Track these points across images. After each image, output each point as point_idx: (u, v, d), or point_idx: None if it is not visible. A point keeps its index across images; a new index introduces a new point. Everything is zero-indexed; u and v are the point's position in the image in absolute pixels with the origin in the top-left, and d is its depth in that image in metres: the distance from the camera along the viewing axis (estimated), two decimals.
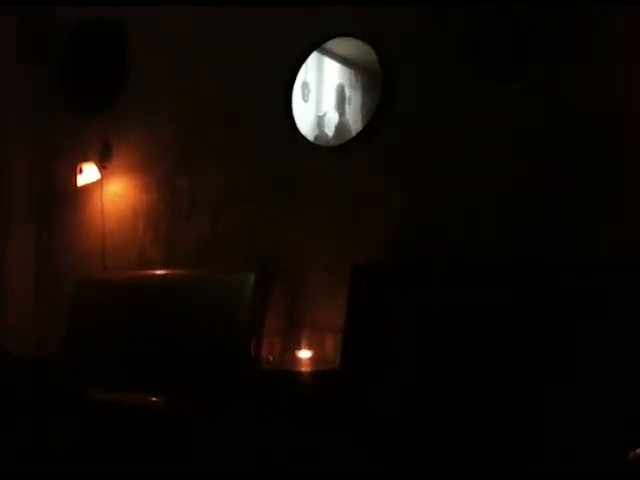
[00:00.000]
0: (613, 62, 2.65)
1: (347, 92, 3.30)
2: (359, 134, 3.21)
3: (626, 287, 2.35)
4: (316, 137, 3.35)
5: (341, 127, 3.30)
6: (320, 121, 3.36)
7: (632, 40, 2.61)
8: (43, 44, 4.33)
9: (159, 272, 3.64)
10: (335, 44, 3.32)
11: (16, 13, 4.19)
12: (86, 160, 3.96)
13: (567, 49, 2.74)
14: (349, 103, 3.29)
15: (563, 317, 2.41)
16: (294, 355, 3.15)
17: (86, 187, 3.99)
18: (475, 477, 2.10)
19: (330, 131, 3.33)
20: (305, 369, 2.98)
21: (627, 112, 2.62)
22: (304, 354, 3.12)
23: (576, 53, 2.72)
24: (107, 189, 4.00)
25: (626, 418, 2.16)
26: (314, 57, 3.36)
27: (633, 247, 2.51)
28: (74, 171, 3.97)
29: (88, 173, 3.92)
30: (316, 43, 3.34)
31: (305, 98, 3.40)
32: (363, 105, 3.24)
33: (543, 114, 2.78)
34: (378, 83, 3.17)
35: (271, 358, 3.25)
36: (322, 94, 3.37)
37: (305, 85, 3.39)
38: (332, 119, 3.33)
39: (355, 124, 3.25)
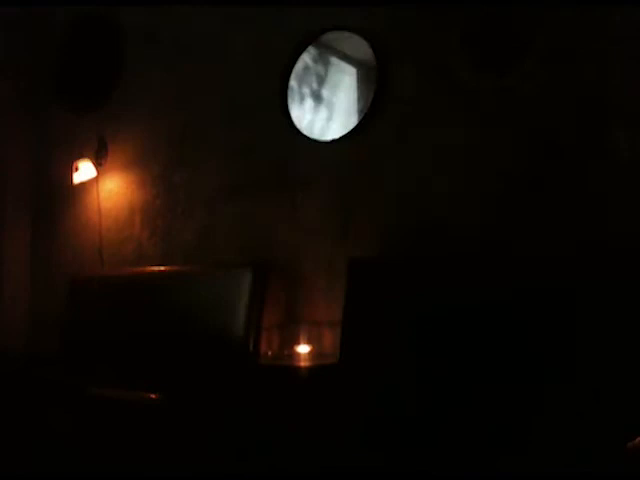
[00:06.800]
0: (608, 61, 2.66)
1: (343, 87, 3.30)
2: (355, 130, 3.21)
3: (623, 281, 2.36)
4: (313, 132, 3.34)
5: (338, 123, 3.30)
6: (316, 116, 3.36)
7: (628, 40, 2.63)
8: (38, 42, 4.32)
9: (156, 268, 3.64)
10: (331, 39, 3.32)
11: (12, 12, 4.19)
12: (82, 158, 3.96)
13: (562, 45, 2.75)
14: (346, 98, 3.28)
15: (560, 313, 2.42)
16: (292, 350, 3.15)
17: (82, 184, 3.99)
18: (473, 469, 2.11)
19: (326, 127, 3.33)
20: (304, 364, 2.98)
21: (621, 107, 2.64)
22: (302, 349, 3.12)
23: (571, 51, 2.73)
24: (103, 186, 4.00)
25: (623, 409, 2.16)
26: (311, 52, 3.36)
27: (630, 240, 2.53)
28: (70, 169, 3.97)
29: (84, 171, 3.92)
30: (312, 37, 3.34)
31: (301, 93, 3.39)
32: (360, 101, 3.24)
33: (542, 111, 2.78)
34: (374, 78, 3.17)
35: (270, 353, 3.26)
36: (318, 89, 3.36)
37: (301, 80, 3.39)
38: (328, 114, 3.33)
39: (352, 120, 3.25)
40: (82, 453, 2.78)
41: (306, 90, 3.38)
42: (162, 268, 3.62)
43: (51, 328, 3.89)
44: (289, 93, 3.39)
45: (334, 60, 3.33)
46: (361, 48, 3.20)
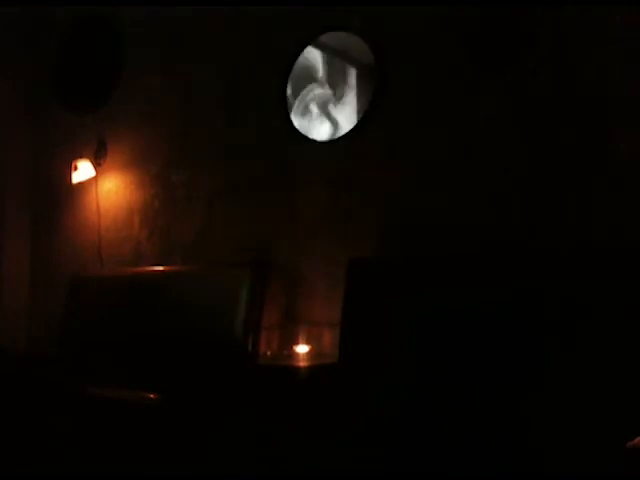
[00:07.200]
0: (608, 61, 2.66)
1: (342, 87, 3.29)
2: (355, 130, 3.21)
3: (623, 281, 2.36)
4: (312, 132, 3.34)
5: (337, 123, 3.29)
6: (315, 116, 3.35)
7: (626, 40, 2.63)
8: (38, 42, 4.32)
9: (156, 268, 3.64)
10: (331, 39, 3.31)
11: (12, 12, 4.19)
12: (81, 157, 3.95)
13: (563, 45, 2.75)
14: (345, 98, 3.28)
15: (560, 313, 2.42)
16: (292, 350, 3.15)
17: (81, 184, 3.99)
18: (473, 469, 2.11)
19: (325, 126, 3.32)
20: (303, 364, 2.98)
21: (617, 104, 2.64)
22: (302, 349, 3.11)
23: (571, 50, 2.73)
24: (102, 186, 3.99)
25: (623, 409, 2.16)
26: (309, 51, 3.36)
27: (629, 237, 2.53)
28: (69, 168, 3.97)
29: (83, 170, 3.92)
30: (312, 37, 3.34)
31: (300, 93, 3.39)
32: (359, 100, 3.24)
33: (542, 111, 2.78)
34: (374, 77, 3.16)
35: (269, 353, 3.25)
36: (317, 88, 3.36)
37: (301, 80, 3.39)
38: (327, 114, 3.32)
39: (351, 120, 3.24)
40: (82, 453, 2.78)
41: (305, 90, 3.38)
42: (161, 268, 3.62)
43: (51, 328, 3.89)
44: (288, 93, 3.39)
45: (333, 60, 3.32)
46: (361, 48, 3.19)
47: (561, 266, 2.51)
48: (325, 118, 3.30)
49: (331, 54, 3.32)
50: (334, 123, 3.28)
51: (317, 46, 3.34)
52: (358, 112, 3.22)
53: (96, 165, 3.96)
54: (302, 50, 3.36)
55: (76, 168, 3.91)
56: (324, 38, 3.32)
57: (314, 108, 3.30)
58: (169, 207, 3.78)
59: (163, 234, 3.79)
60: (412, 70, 3.08)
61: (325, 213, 3.28)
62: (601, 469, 1.91)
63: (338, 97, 3.28)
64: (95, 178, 3.96)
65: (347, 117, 3.24)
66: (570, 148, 2.71)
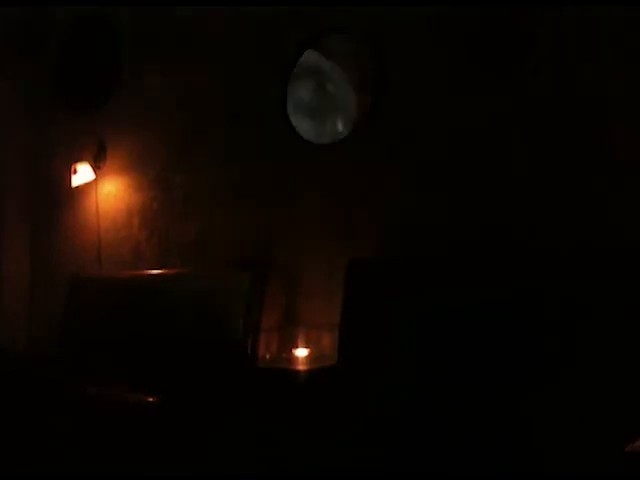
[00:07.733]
0: (608, 61, 2.66)
1: (343, 89, 3.29)
2: (354, 132, 3.20)
3: (622, 281, 2.36)
4: (312, 133, 3.34)
5: (337, 125, 3.29)
6: (316, 119, 3.35)
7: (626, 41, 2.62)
8: (37, 43, 4.32)
9: (154, 271, 3.63)
10: (332, 40, 3.31)
11: (12, 12, 4.19)
12: (80, 160, 3.94)
13: (563, 45, 2.74)
14: (344, 101, 3.28)
15: (560, 313, 2.42)
16: (291, 353, 3.14)
17: (81, 187, 3.98)
18: (473, 469, 2.11)
19: (326, 129, 3.32)
20: (302, 367, 2.97)
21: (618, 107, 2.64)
22: (301, 352, 3.11)
23: (571, 50, 2.73)
24: (102, 188, 3.99)
25: (623, 411, 2.16)
26: (310, 54, 3.35)
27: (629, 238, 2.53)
28: (69, 171, 3.96)
29: (82, 173, 3.91)
30: (313, 39, 3.34)
31: (301, 95, 3.39)
32: (359, 103, 3.23)
33: (542, 111, 2.78)
34: (374, 79, 3.16)
35: (268, 356, 3.25)
36: (319, 91, 3.36)
37: (301, 82, 3.38)
38: (327, 117, 3.32)
39: (351, 122, 3.24)
40: (82, 453, 2.78)
41: (306, 92, 3.38)
42: (160, 270, 3.61)
43: (51, 328, 3.89)
44: (289, 94, 3.39)
45: (334, 62, 3.32)
46: (361, 49, 3.19)
47: (561, 266, 2.51)
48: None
49: (332, 56, 3.32)
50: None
51: (318, 48, 3.33)
52: (358, 112, 3.22)
53: (96, 168, 3.95)
54: (303, 52, 3.35)
55: (76, 171, 3.90)
56: (325, 40, 3.31)
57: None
58: (168, 209, 3.78)
59: (162, 236, 3.79)
60: (412, 70, 3.08)
61: (325, 213, 3.27)
62: (601, 470, 1.91)
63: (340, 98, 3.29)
64: (95, 181, 3.95)
65: (348, 118, 3.24)
66: (570, 148, 2.71)
